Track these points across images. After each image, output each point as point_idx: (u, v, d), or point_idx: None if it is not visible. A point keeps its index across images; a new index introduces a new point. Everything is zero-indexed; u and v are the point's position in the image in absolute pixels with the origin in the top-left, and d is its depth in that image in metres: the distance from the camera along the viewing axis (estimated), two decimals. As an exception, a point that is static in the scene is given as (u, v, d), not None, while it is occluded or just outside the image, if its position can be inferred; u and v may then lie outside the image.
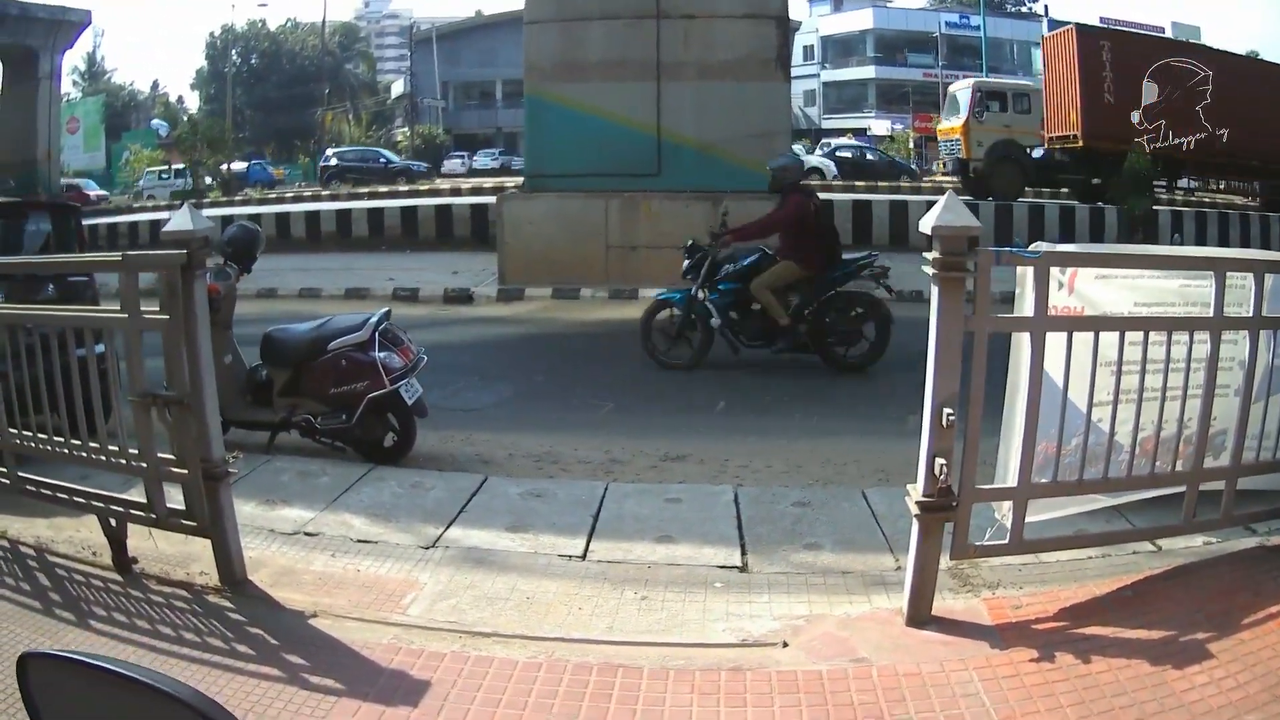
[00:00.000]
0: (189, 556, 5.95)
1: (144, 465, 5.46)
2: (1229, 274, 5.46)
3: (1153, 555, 6.04)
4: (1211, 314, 5.41)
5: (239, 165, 53.21)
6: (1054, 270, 5.43)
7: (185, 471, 5.35)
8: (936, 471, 5.01)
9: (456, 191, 39.13)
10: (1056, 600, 5.48)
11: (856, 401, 10.90)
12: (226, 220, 16.90)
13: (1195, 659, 4.76)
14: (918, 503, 5.12)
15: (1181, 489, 5.66)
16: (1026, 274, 5.38)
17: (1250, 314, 5.52)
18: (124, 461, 5.59)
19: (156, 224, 18.70)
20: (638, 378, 12.19)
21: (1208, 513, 5.77)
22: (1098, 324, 5.44)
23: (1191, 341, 5.42)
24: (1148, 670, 4.67)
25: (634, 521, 6.87)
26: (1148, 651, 4.85)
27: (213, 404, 5.44)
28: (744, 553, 6.40)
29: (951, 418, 4.96)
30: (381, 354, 8.41)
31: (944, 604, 5.43)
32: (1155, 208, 25.68)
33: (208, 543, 5.56)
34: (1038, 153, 30.53)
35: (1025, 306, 5.42)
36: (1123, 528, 6.10)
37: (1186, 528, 5.80)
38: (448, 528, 6.71)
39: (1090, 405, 5.33)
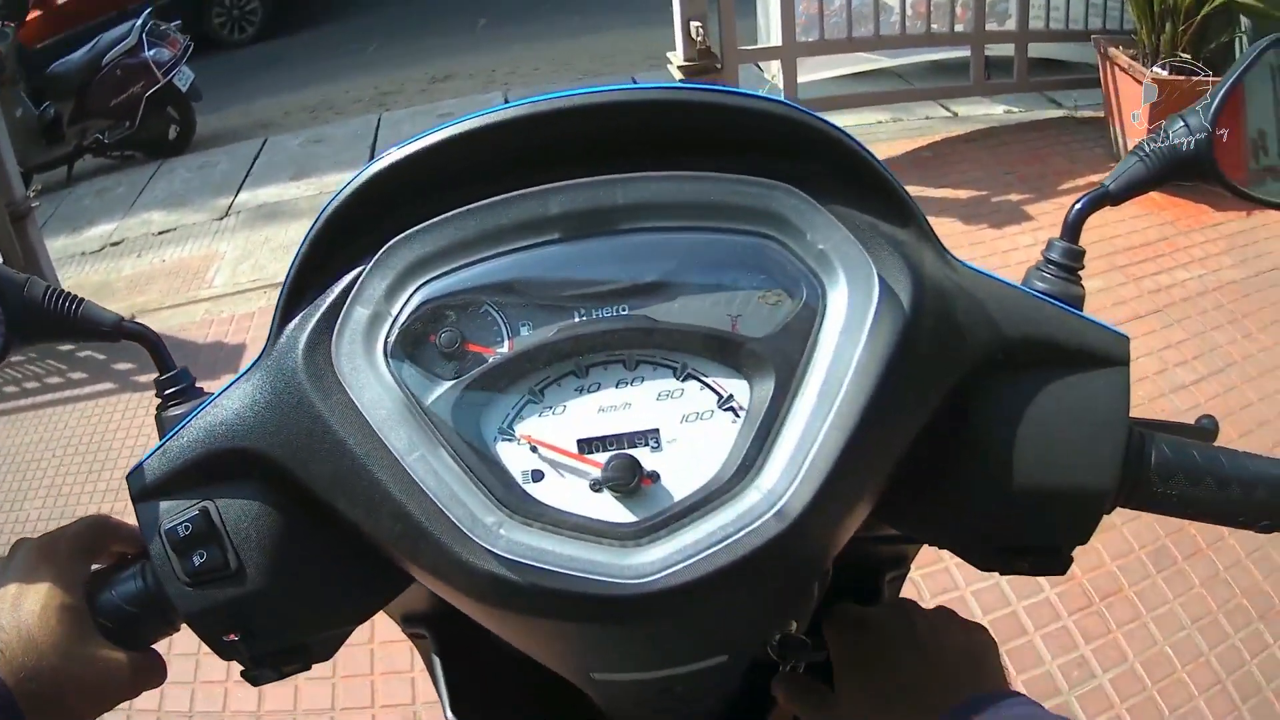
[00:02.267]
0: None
1: None
2: None
3: (949, 121, 5.63)
4: None
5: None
6: None
7: (-6, 222, 4.85)
8: (693, 34, 4.56)
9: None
10: None
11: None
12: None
13: (1014, 219, 4.43)
14: (680, 68, 4.70)
15: (965, 53, 5.28)
16: None
17: None
18: None
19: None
20: (399, 14, 11.28)
21: (1002, 79, 5.41)
22: None
23: None
24: (961, 229, 4.34)
25: (411, 142, 6.35)
26: (957, 210, 4.51)
27: (8, 151, 4.91)
28: (518, 148, 5.97)
29: None
30: (150, 52, 7.67)
31: None
32: None
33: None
34: None
35: None
36: (907, 88, 5.78)
37: (977, 88, 5.40)
38: (237, 194, 6.24)
39: None
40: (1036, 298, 0.80)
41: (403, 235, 0.71)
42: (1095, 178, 4.52)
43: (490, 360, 0.71)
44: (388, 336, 0.71)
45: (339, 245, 0.74)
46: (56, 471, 3.79)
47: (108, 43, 7.83)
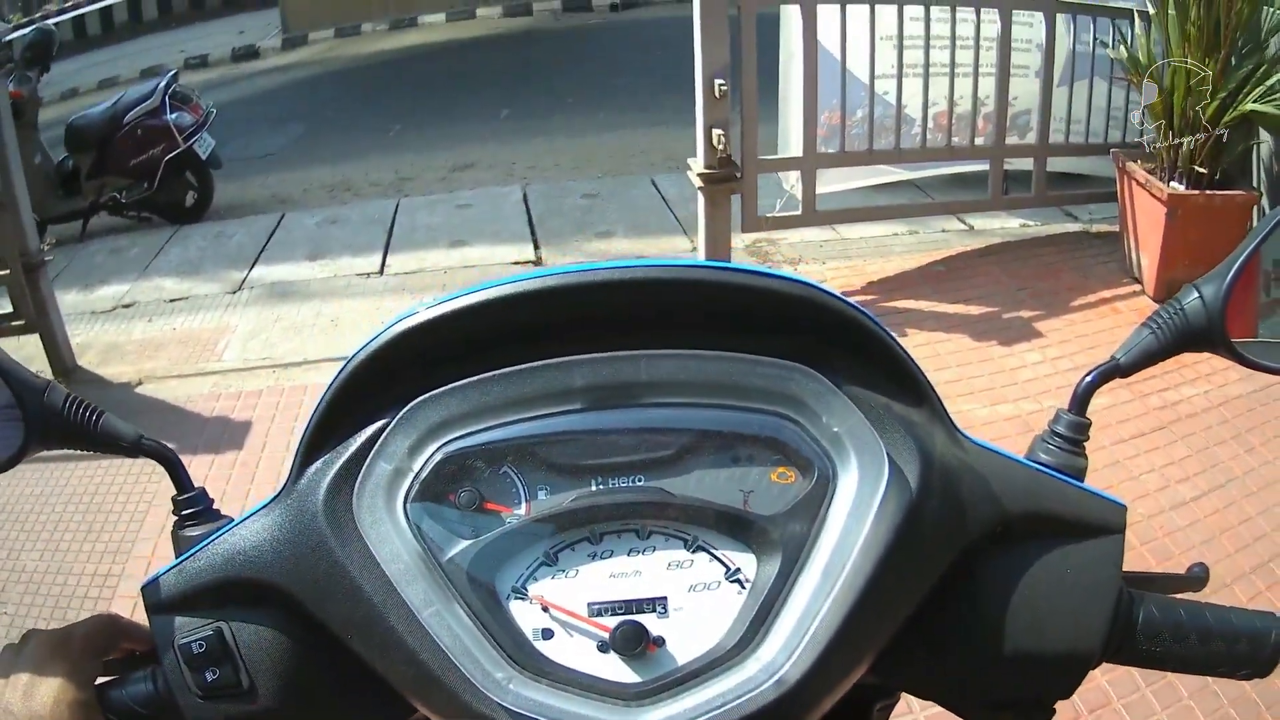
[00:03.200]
0: (25, 360, 5.39)
1: None
2: None
3: (965, 234, 5.73)
4: None
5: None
6: None
7: (7, 271, 4.87)
8: (715, 142, 4.65)
9: (236, -44, 36.45)
10: (863, 274, 5.20)
11: (644, 99, 10.19)
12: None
13: (1024, 337, 4.50)
14: (700, 174, 4.77)
15: (985, 166, 5.33)
16: None
17: None
18: None
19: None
20: (422, 99, 11.41)
21: (1020, 194, 5.48)
22: None
23: (979, 19, 5.02)
24: (971, 345, 4.42)
25: (427, 231, 6.52)
26: (969, 326, 4.57)
27: (24, 199, 4.95)
28: (536, 247, 6.14)
29: (723, 87, 4.55)
30: (172, 115, 7.77)
31: None
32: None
33: (38, 339, 5.05)
34: None
35: None
36: (925, 201, 5.79)
37: (995, 203, 5.45)
38: (251, 269, 6.29)
39: (873, 77, 4.96)
40: (1040, 471, 0.84)
41: (428, 395, 0.76)
42: (1106, 294, 4.75)
43: (508, 522, 0.76)
44: (408, 491, 0.76)
45: (364, 394, 0.78)
46: (55, 526, 3.85)
47: (130, 101, 7.93)
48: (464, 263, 5.95)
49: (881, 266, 5.29)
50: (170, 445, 0.90)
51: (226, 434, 4.31)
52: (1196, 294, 0.90)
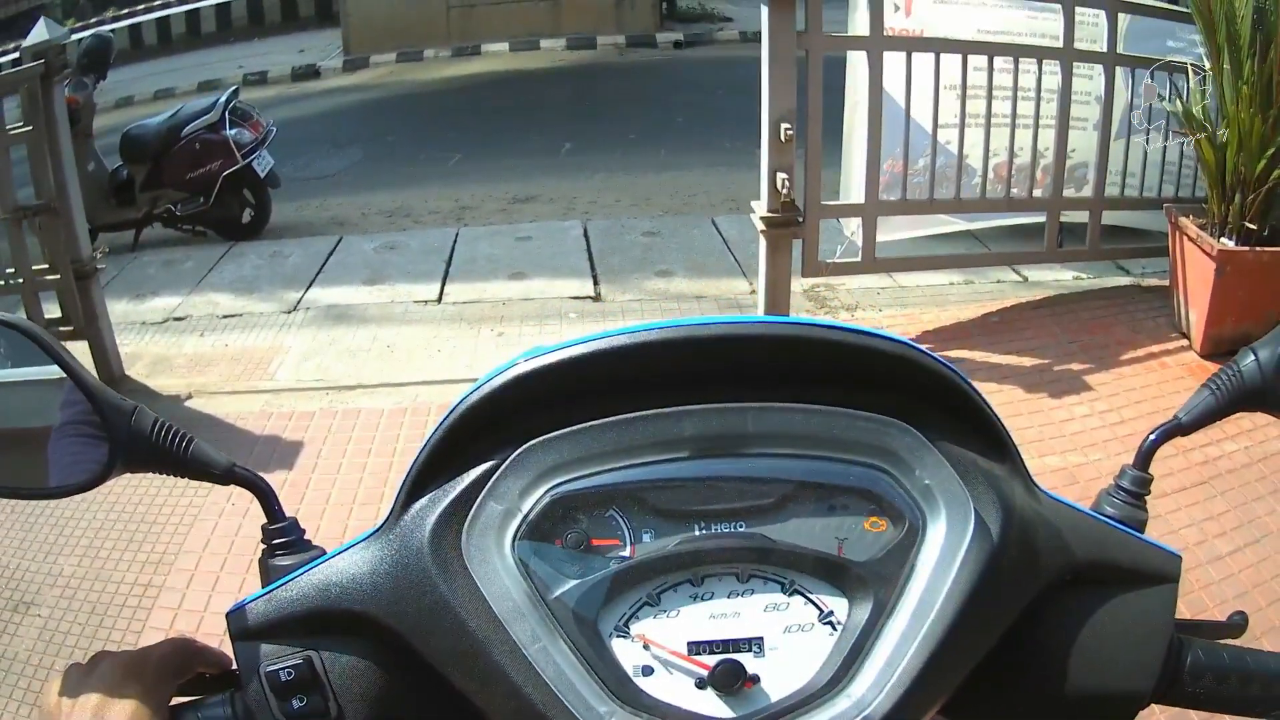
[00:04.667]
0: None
1: (20, 280, 5.05)
2: (1079, 9, 5.13)
3: (1019, 286, 5.82)
4: (1061, 45, 5.11)
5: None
6: None
7: (58, 277, 4.99)
8: (779, 186, 4.71)
9: (299, -26, 37.04)
10: (918, 323, 5.28)
11: (705, 138, 10.27)
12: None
13: (1074, 390, 4.56)
14: (763, 218, 4.83)
15: (1042, 218, 5.40)
16: None
17: (1104, 49, 5.21)
18: (2, 282, 5.14)
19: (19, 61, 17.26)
20: (484, 129, 11.57)
21: (1074, 246, 5.55)
22: (938, 45, 5.08)
23: (1040, 70, 5.11)
24: (1022, 396, 4.48)
25: (486, 262, 6.60)
26: (1020, 378, 4.64)
27: (78, 206, 5.08)
28: (596, 283, 6.20)
29: (790, 132, 4.62)
30: (232, 131, 7.92)
31: None
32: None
33: (87, 346, 5.14)
34: None
35: (859, 26, 5.10)
36: (983, 252, 5.87)
37: (1050, 255, 5.55)
38: (307, 290, 6.39)
39: (935, 126, 5.03)
40: (1104, 523, 0.92)
41: (541, 439, 0.80)
42: (1154, 348, 4.82)
43: (613, 564, 0.80)
44: (517, 531, 0.79)
45: (473, 435, 0.82)
46: (96, 533, 3.91)
47: (188, 114, 8.08)
48: (523, 295, 6.02)
49: (937, 316, 5.36)
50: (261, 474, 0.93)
51: (277, 453, 4.39)
52: (1253, 357, 0.97)
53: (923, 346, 0.84)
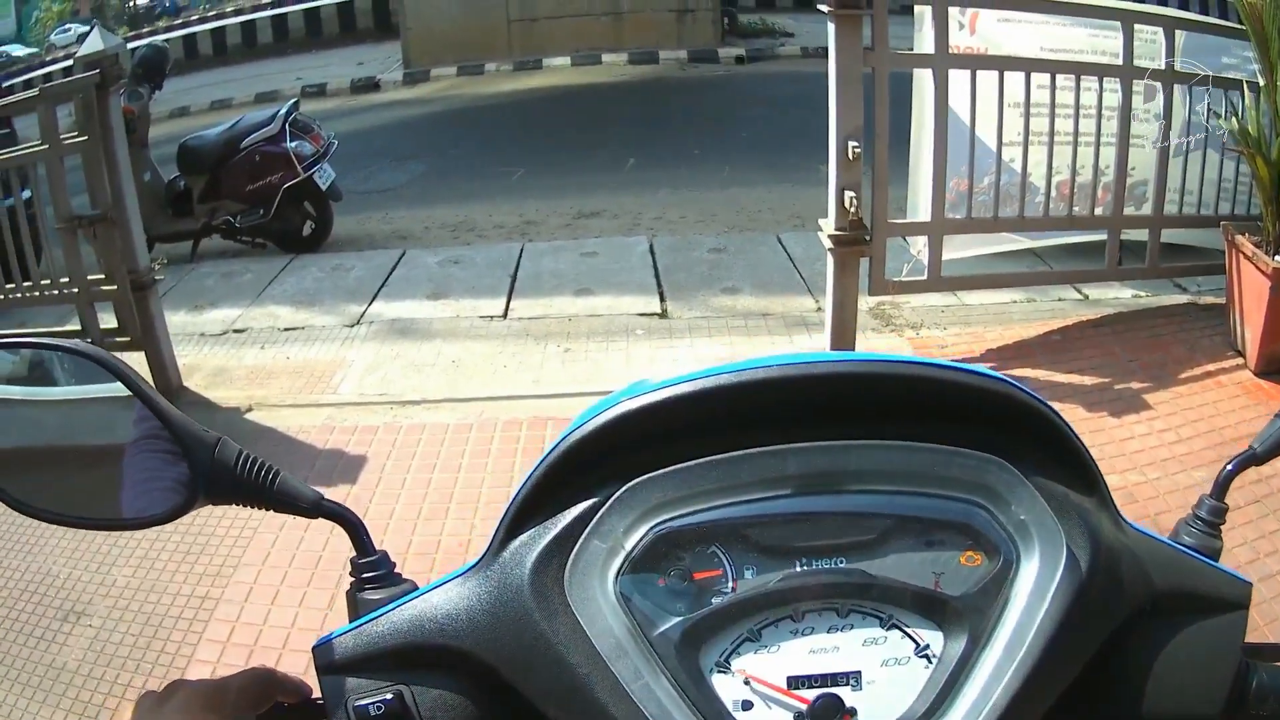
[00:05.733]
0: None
1: (75, 290, 5.12)
2: (1137, 26, 5.17)
3: (1080, 304, 5.83)
4: (1120, 63, 5.13)
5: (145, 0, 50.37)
6: (954, 11, 5.15)
7: (114, 287, 5.03)
8: (847, 204, 4.72)
9: (356, -13, 37.51)
10: (982, 341, 5.31)
11: (768, 153, 10.24)
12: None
13: (1133, 409, 4.59)
14: (830, 236, 4.84)
15: (1103, 236, 5.42)
16: (925, 14, 5.13)
17: (1162, 67, 5.21)
18: (57, 292, 5.24)
19: (69, 70, 17.58)
20: (546, 143, 11.62)
21: (1133, 264, 5.57)
22: (1002, 63, 5.12)
23: (1101, 89, 5.16)
24: (1083, 415, 4.49)
25: (552, 278, 6.61)
26: (1082, 397, 4.67)
27: (135, 215, 5.10)
28: (663, 299, 6.19)
29: (857, 150, 4.64)
30: (292, 143, 7.98)
31: (867, 343, 5.26)
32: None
33: (143, 357, 5.18)
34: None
35: (925, 44, 5.15)
36: (1045, 270, 5.94)
37: (1110, 274, 5.58)
38: (370, 304, 6.42)
39: (1000, 144, 5.08)
40: (1183, 553, 0.95)
41: (645, 478, 0.82)
42: (1211, 367, 4.85)
43: (715, 601, 0.82)
44: (620, 568, 0.81)
45: (573, 473, 0.84)
46: (151, 545, 3.91)
47: (248, 126, 8.16)
48: (589, 311, 6.01)
49: (1001, 334, 5.39)
50: (351, 509, 0.93)
51: (339, 468, 4.39)
52: None
53: (1019, 382, 0.86)
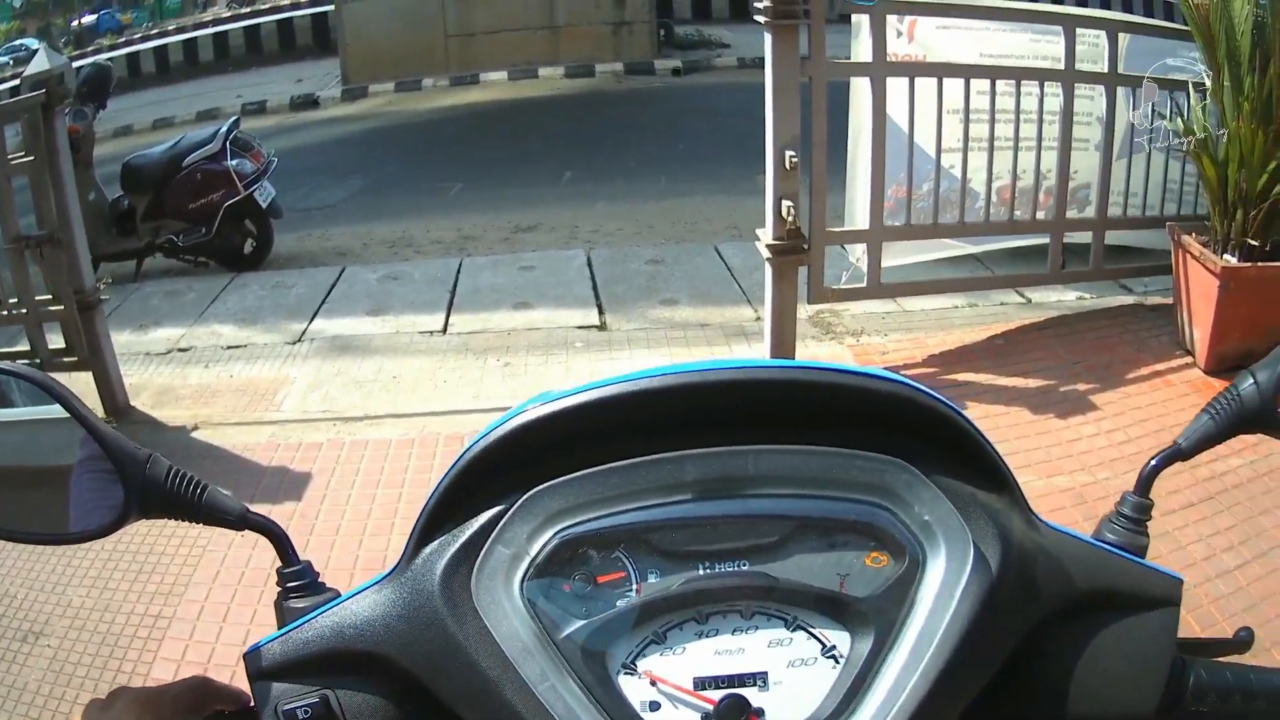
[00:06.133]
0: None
1: (24, 311, 5.11)
2: (1079, 30, 5.22)
3: (1023, 308, 5.90)
4: (1063, 67, 5.19)
5: (89, 19, 49.61)
6: (892, 18, 5.15)
7: (61, 307, 5.04)
8: (784, 214, 4.75)
9: (296, 4, 37.06)
10: (924, 347, 5.36)
11: (705, 164, 10.35)
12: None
13: (1080, 410, 4.64)
14: (768, 245, 4.89)
15: (1045, 240, 5.50)
16: (862, 22, 5.13)
17: (1105, 70, 5.30)
18: (6, 313, 5.21)
19: (16, 90, 17.28)
20: (484, 158, 11.65)
21: (1077, 267, 5.63)
22: (941, 70, 5.16)
23: (1043, 93, 5.19)
24: (1029, 418, 4.56)
25: (490, 292, 6.68)
26: (1027, 400, 4.73)
27: (81, 236, 5.11)
28: (601, 312, 6.27)
29: (794, 160, 4.67)
30: (233, 161, 8.00)
31: (808, 351, 5.30)
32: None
33: (90, 377, 5.19)
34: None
35: (862, 53, 5.15)
36: (987, 275, 5.97)
37: (1053, 276, 5.65)
38: (311, 321, 6.46)
39: (939, 151, 5.12)
40: (1106, 550, 0.96)
41: (547, 485, 0.84)
42: (1159, 366, 4.95)
43: (619, 604, 0.84)
44: (525, 573, 0.83)
45: (481, 479, 0.86)
46: (104, 564, 3.94)
47: (190, 144, 8.14)
48: (528, 325, 6.09)
49: (942, 339, 5.44)
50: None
51: (285, 485, 4.43)
52: (1252, 380, 1.01)
53: (919, 384, 0.88)
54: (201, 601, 3.70)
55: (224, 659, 3.38)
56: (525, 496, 0.85)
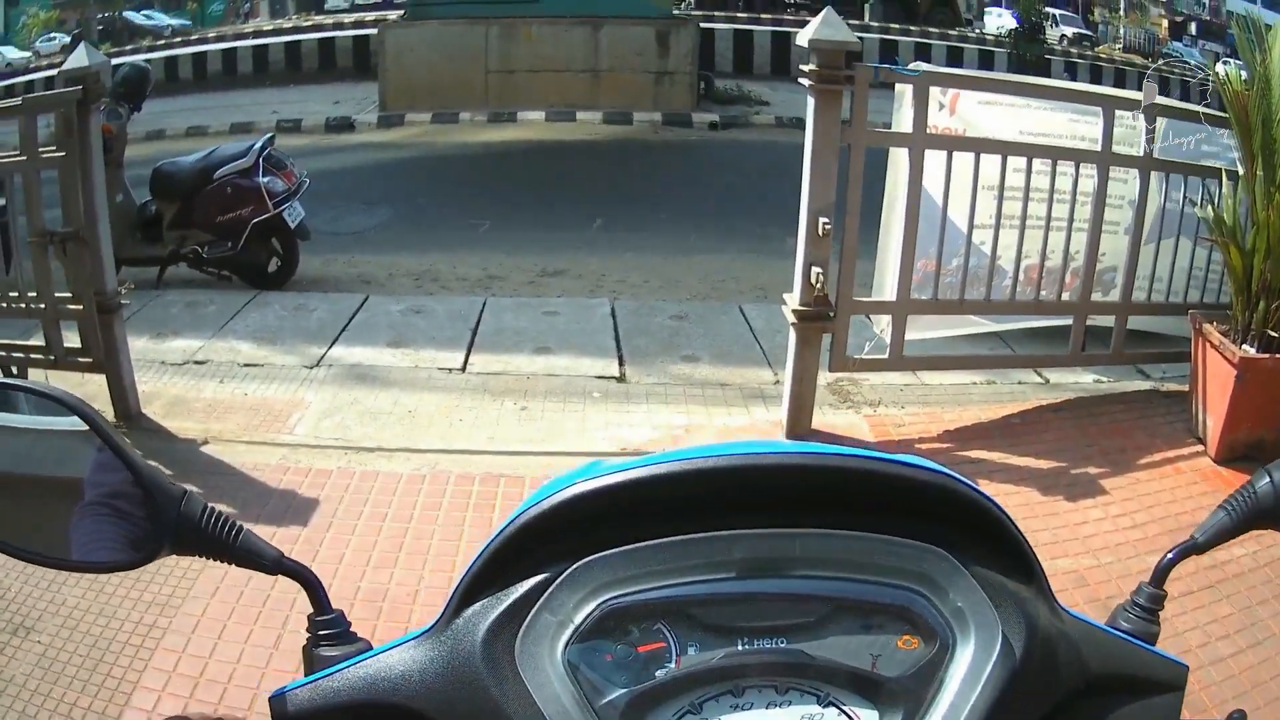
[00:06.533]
0: (87, 397, 5.52)
1: (42, 306, 5.11)
2: (1119, 112, 5.23)
3: (1040, 388, 5.90)
4: (1100, 149, 5.18)
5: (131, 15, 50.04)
6: (935, 91, 5.17)
7: (80, 307, 5.03)
8: (813, 280, 4.77)
9: (339, 25, 37.44)
10: (939, 422, 5.35)
11: (737, 222, 10.36)
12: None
13: (1089, 493, 4.63)
14: (794, 311, 4.90)
15: (1068, 321, 5.48)
16: (905, 92, 5.16)
17: (1140, 154, 5.29)
18: (24, 306, 5.22)
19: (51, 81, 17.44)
20: (515, 197, 11.69)
21: (1097, 350, 5.62)
22: (979, 145, 5.17)
23: (1077, 174, 5.19)
24: (1038, 499, 4.55)
25: (512, 334, 6.68)
26: (1037, 480, 4.72)
27: (106, 237, 5.11)
28: (622, 363, 6.25)
29: (827, 226, 4.69)
30: (265, 179, 8.01)
31: (824, 418, 5.28)
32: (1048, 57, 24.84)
33: (104, 380, 5.19)
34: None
35: (903, 123, 5.17)
36: (1007, 353, 5.96)
37: (1073, 359, 5.63)
38: (331, 347, 6.46)
39: (971, 226, 5.10)
40: (1120, 638, 1.00)
41: (596, 556, 0.86)
42: (1170, 453, 4.93)
43: (659, 674, 0.85)
44: (569, 640, 0.85)
45: (527, 546, 0.88)
46: None
47: (222, 156, 8.16)
48: (548, 370, 6.08)
49: (959, 415, 5.43)
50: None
51: (292, 509, 4.41)
52: (1268, 478, 1.05)
53: (960, 475, 0.91)
54: (198, 615, 3.67)
55: (216, 674, 3.35)
56: (575, 566, 0.86)
